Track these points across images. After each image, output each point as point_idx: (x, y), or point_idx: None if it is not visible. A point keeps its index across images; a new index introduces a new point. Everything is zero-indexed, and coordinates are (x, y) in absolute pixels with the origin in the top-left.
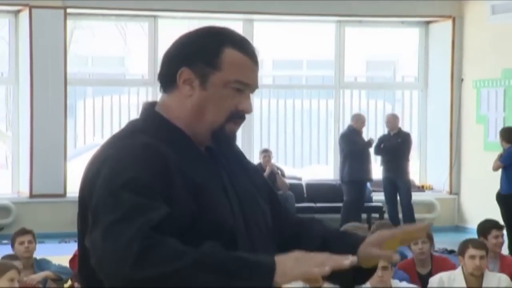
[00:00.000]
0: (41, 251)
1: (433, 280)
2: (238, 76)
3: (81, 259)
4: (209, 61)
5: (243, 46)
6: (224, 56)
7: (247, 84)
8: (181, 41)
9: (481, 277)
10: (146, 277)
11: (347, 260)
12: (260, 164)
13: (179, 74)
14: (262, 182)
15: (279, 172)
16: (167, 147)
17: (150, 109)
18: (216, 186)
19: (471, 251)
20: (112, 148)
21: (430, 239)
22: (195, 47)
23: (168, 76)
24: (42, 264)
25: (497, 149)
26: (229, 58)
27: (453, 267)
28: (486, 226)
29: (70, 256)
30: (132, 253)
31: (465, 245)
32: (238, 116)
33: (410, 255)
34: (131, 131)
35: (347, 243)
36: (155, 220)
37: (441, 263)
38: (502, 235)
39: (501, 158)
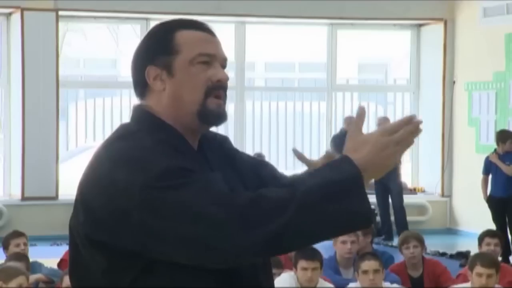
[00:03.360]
0: (33, 254)
1: None
2: (198, 50)
3: (73, 260)
4: (166, 50)
5: (194, 25)
6: (177, 39)
7: (210, 54)
8: (139, 45)
9: None
10: (263, 236)
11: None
12: None
13: (146, 74)
14: (257, 174)
15: None
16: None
17: (141, 110)
18: None
19: (478, 268)
20: (116, 148)
21: (421, 243)
22: (149, 44)
23: (139, 81)
24: (34, 267)
25: (489, 152)
26: (183, 39)
27: (444, 270)
28: (481, 235)
29: None
30: (236, 224)
31: (474, 261)
32: (216, 87)
33: (400, 258)
34: (130, 133)
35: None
36: (222, 187)
37: (432, 266)
38: (496, 244)
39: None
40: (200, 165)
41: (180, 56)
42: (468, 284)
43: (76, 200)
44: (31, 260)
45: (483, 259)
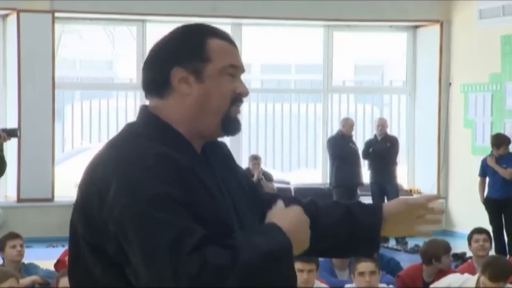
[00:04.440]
0: (29, 256)
1: (446, 279)
2: (229, 61)
3: (73, 261)
4: (197, 55)
5: (221, 34)
6: (209, 47)
7: (238, 66)
8: (163, 44)
9: None
10: None
11: None
12: (248, 169)
13: (173, 75)
14: (250, 186)
15: (263, 178)
16: (175, 153)
17: (149, 112)
18: (216, 189)
19: (485, 280)
20: (120, 155)
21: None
22: (180, 46)
23: (160, 80)
24: (29, 269)
25: (485, 154)
26: (215, 47)
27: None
28: (470, 233)
29: None
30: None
31: (485, 267)
32: (238, 100)
33: (401, 261)
34: (135, 136)
35: (371, 212)
36: (193, 243)
37: (445, 272)
38: (485, 239)
39: (510, 163)
40: (204, 170)
41: (211, 64)
42: (474, 277)
43: (77, 198)
44: (26, 262)
45: (494, 269)
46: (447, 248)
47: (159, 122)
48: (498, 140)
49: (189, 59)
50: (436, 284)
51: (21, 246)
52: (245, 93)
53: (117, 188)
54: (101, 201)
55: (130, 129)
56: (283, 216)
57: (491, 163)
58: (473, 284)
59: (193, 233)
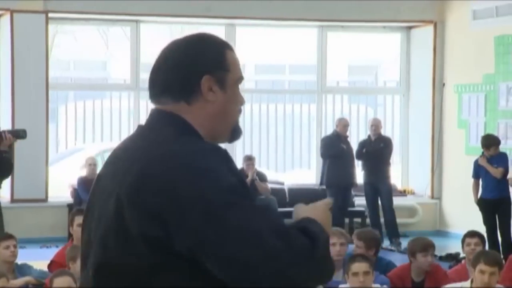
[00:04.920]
0: (23, 256)
1: None
2: (240, 73)
3: (111, 259)
4: (222, 66)
5: (231, 46)
6: (227, 58)
7: (243, 78)
8: (186, 50)
9: None
10: (298, 275)
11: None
12: (242, 169)
13: (203, 82)
14: None
15: (257, 178)
16: None
17: (176, 116)
18: None
19: (481, 266)
20: (182, 153)
21: (433, 249)
22: (206, 55)
23: (189, 86)
24: (23, 269)
25: (479, 154)
26: (231, 59)
27: (445, 274)
28: (463, 236)
29: None
30: (286, 259)
31: (477, 258)
32: (240, 109)
33: (395, 262)
34: (173, 136)
35: None
36: (282, 223)
37: (434, 271)
38: (477, 243)
39: (500, 163)
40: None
41: (230, 74)
42: (467, 283)
43: (128, 196)
44: (20, 262)
45: (487, 256)
46: (424, 246)
47: (188, 125)
48: (488, 141)
49: (215, 68)
50: None
51: (15, 246)
52: (244, 102)
53: (197, 180)
54: (174, 196)
55: (165, 132)
56: (313, 212)
57: (483, 163)
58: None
59: (274, 212)
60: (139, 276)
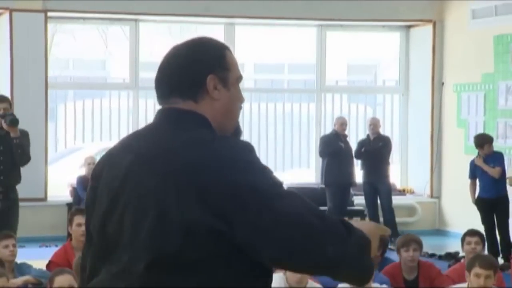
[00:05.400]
0: (22, 256)
1: None
2: (239, 72)
3: (173, 251)
4: (223, 65)
5: (229, 48)
6: (227, 58)
7: (242, 77)
8: (192, 52)
9: None
10: (343, 253)
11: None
12: None
13: (208, 81)
14: None
15: None
16: None
17: (197, 115)
18: None
19: (477, 269)
20: (228, 151)
21: (420, 246)
22: (210, 55)
23: (196, 85)
24: (22, 268)
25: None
26: (230, 59)
27: (439, 273)
28: (463, 235)
29: None
30: (330, 238)
31: (472, 261)
32: (240, 107)
33: (396, 259)
34: (208, 134)
35: None
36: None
37: (427, 269)
38: (477, 242)
39: (496, 162)
40: None
41: (231, 73)
42: (464, 285)
43: (186, 192)
44: (19, 261)
45: (482, 260)
46: (406, 241)
47: (208, 123)
48: (480, 140)
49: (218, 68)
50: None
51: (14, 246)
52: (244, 100)
53: (247, 178)
54: (232, 191)
55: (196, 126)
56: (365, 225)
57: (479, 163)
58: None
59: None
60: (201, 269)
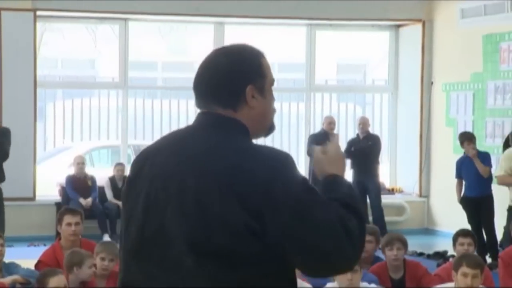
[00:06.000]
0: (10, 255)
1: None
2: (272, 76)
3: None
4: (260, 74)
5: (264, 53)
6: (263, 66)
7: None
8: (232, 64)
9: None
10: (357, 251)
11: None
12: None
13: (247, 91)
14: None
15: None
16: None
17: (238, 122)
18: None
19: (464, 268)
20: (265, 155)
21: (405, 245)
22: (249, 67)
23: (236, 95)
24: (10, 268)
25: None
26: (266, 66)
27: (425, 272)
28: (455, 235)
29: None
30: (349, 241)
31: (459, 261)
32: (274, 109)
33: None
34: (249, 140)
35: None
36: (344, 213)
37: (414, 268)
38: (469, 243)
39: (485, 162)
40: None
41: (266, 80)
42: (452, 284)
43: (235, 195)
44: (7, 261)
45: (469, 259)
46: (389, 240)
47: (248, 131)
48: (459, 138)
49: (256, 78)
50: None
51: (2, 245)
52: (275, 100)
53: (286, 183)
54: (269, 195)
55: (240, 138)
56: (331, 164)
57: (474, 157)
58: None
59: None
60: (237, 263)
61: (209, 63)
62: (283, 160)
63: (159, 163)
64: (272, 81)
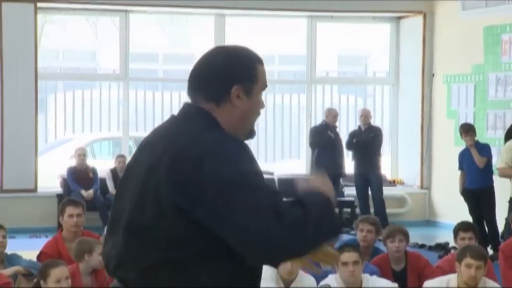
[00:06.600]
0: (12, 246)
1: (429, 284)
2: (266, 83)
3: (146, 223)
4: (251, 78)
5: (261, 60)
6: (258, 71)
7: (267, 86)
8: (224, 63)
9: (475, 286)
10: (296, 243)
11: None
12: None
13: (233, 91)
14: None
15: None
16: None
17: (208, 113)
18: None
19: (468, 260)
20: (212, 139)
21: (406, 237)
22: (240, 68)
23: (222, 92)
24: (12, 259)
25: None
26: (260, 71)
27: (427, 263)
28: (455, 228)
29: None
30: (284, 230)
31: (463, 252)
32: (259, 113)
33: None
34: (205, 127)
35: None
36: (282, 201)
37: (415, 260)
38: (471, 238)
39: (483, 153)
40: None
41: (257, 85)
42: (454, 276)
43: (164, 172)
44: (9, 252)
45: (473, 250)
46: (391, 232)
47: (219, 123)
48: (459, 129)
49: (245, 80)
50: None
51: (4, 237)
52: (264, 106)
53: (218, 163)
54: (197, 173)
55: (201, 122)
56: (312, 181)
57: (472, 148)
58: (455, 282)
59: (278, 194)
60: (167, 241)
61: (205, 58)
62: (227, 144)
63: (136, 153)
64: (263, 87)
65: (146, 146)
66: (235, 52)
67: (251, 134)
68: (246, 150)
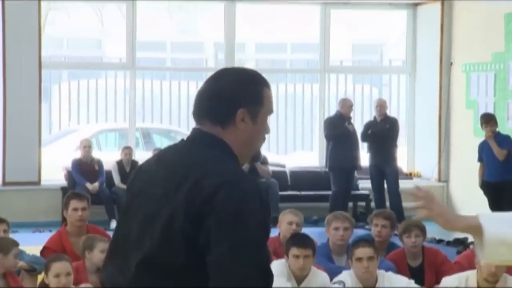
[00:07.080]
0: None
1: (447, 280)
2: (272, 108)
3: (157, 246)
4: (257, 102)
5: (268, 84)
6: (264, 95)
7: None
8: (230, 86)
9: (495, 283)
10: None
11: None
12: None
13: (238, 114)
14: None
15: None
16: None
17: (219, 139)
18: None
19: None
20: (225, 172)
21: (423, 232)
22: (246, 92)
23: (227, 115)
24: None
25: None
26: (266, 96)
27: (445, 259)
28: None
29: None
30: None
31: None
32: (264, 138)
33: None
34: (222, 156)
35: None
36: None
37: (433, 255)
38: None
39: (503, 144)
40: None
41: (263, 109)
42: (473, 272)
43: (184, 202)
44: None
45: None
46: (407, 227)
47: (229, 149)
48: (480, 119)
49: (251, 104)
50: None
51: (6, 231)
52: (269, 131)
53: (227, 196)
54: (208, 201)
55: (213, 150)
56: None
57: (490, 139)
58: (475, 278)
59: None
60: (171, 271)
61: (214, 79)
62: (240, 180)
63: (145, 174)
64: (269, 112)
65: (158, 173)
66: (243, 75)
67: (256, 157)
68: (260, 194)
